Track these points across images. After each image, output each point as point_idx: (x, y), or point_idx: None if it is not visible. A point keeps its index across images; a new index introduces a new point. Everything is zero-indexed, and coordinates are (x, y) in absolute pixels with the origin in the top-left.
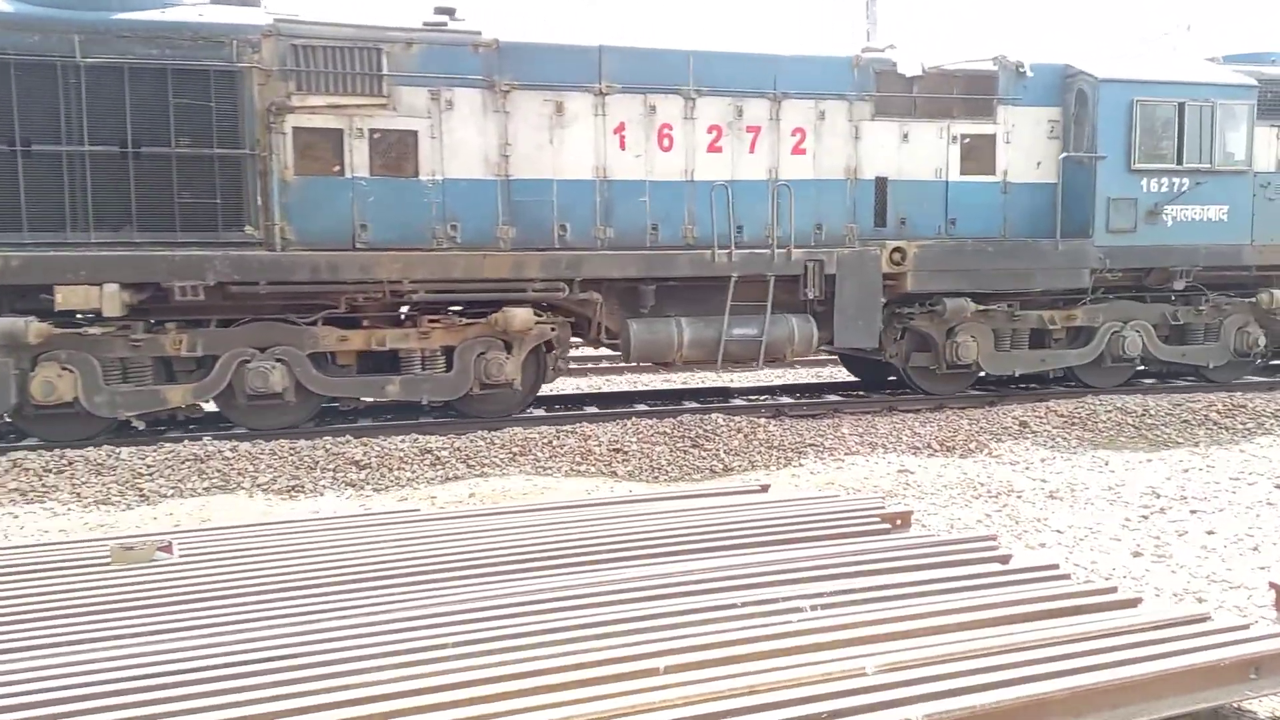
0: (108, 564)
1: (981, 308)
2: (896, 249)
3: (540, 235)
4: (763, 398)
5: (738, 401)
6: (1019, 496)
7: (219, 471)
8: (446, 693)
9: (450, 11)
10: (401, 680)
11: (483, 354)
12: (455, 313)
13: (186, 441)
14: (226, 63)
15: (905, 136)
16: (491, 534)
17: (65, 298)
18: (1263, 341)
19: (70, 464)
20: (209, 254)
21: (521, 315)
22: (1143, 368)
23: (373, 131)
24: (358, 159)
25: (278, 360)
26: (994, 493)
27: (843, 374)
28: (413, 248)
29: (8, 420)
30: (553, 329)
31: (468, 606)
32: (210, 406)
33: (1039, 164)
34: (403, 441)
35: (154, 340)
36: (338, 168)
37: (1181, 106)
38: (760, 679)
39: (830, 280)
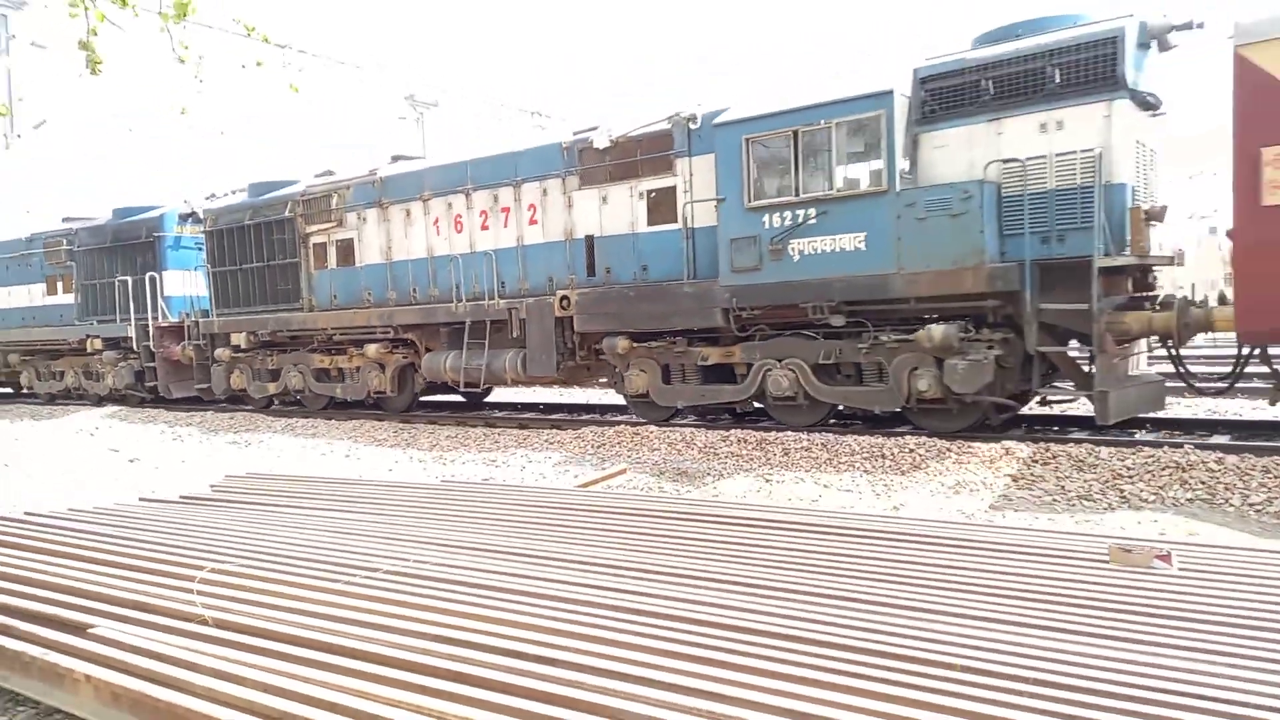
0: (1105, 561)
1: (647, 345)
2: (564, 296)
3: (403, 296)
4: None
5: None
6: None
7: (1203, 483)
8: None
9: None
10: None
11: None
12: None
13: (1167, 447)
14: (289, 215)
15: (605, 199)
16: None
17: None
18: (924, 385)
19: (1054, 457)
20: None
21: (372, 349)
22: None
23: (337, 241)
24: (331, 258)
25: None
26: None
27: None
28: (351, 307)
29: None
30: (405, 357)
31: None
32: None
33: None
34: None
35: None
36: (325, 264)
37: (795, 134)
38: None
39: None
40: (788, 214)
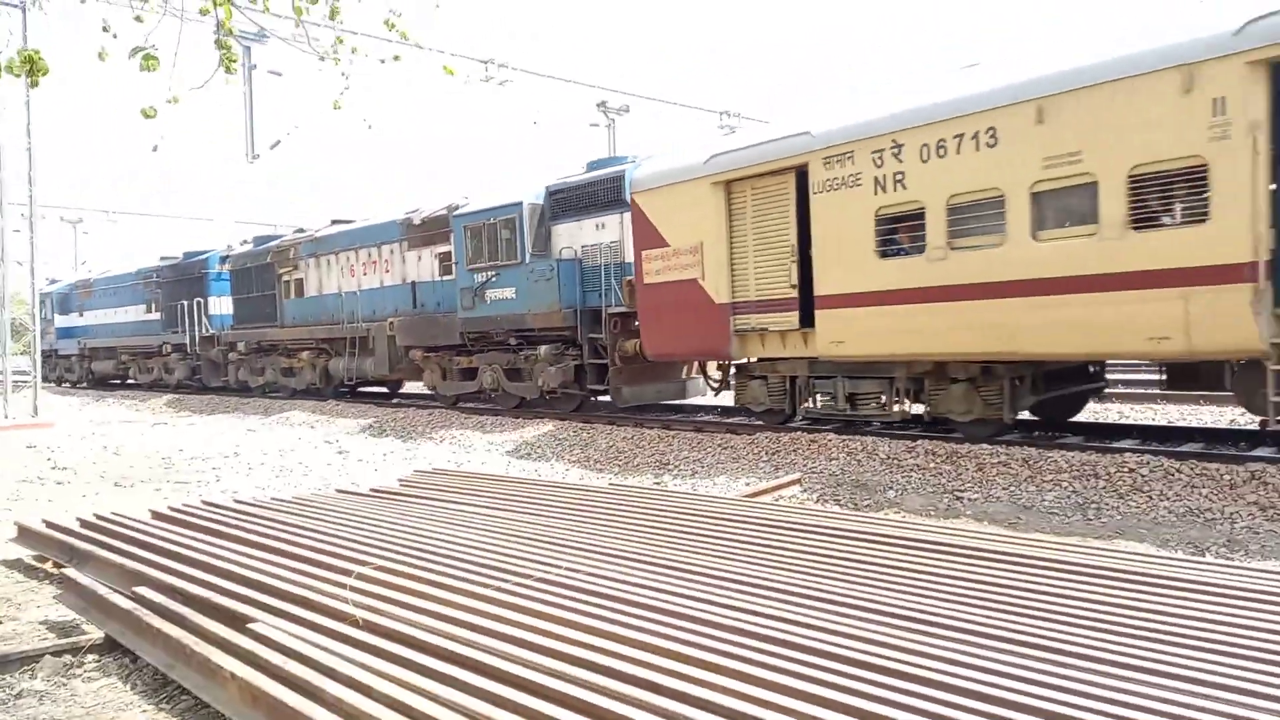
0: None
1: (435, 355)
2: (391, 321)
3: (326, 319)
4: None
5: None
6: None
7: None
8: None
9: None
10: None
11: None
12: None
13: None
14: (270, 261)
15: (419, 259)
16: None
17: None
18: (541, 382)
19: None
20: None
21: (305, 355)
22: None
23: (295, 280)
24: (292, 292)
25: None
26: None
27: None
28: (300, 325)
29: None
30: (325, 360)
31: None
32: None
33: None
34: None
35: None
36: (289, 296)
37: (483, 225)
38: None
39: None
40: (484, 274)
